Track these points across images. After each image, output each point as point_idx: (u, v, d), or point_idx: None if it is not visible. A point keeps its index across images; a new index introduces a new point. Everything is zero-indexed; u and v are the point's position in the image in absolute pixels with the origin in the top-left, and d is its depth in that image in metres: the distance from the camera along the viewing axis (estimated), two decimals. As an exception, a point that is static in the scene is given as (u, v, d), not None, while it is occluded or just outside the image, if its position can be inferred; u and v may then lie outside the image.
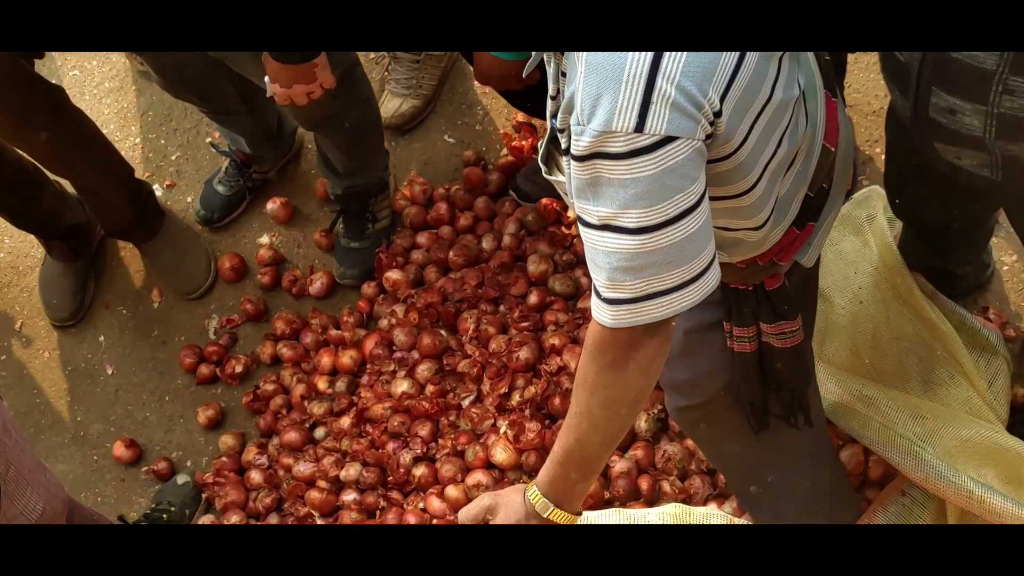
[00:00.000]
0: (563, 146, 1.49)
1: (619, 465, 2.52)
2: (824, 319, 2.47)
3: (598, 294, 1.47)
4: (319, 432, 2.85)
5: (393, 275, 2.94)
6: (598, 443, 1.60)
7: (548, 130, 1.63)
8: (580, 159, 1.39)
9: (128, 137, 3.37)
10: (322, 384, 2.90)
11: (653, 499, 2.48)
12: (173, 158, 3.34)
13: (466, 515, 1.75)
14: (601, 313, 1.47)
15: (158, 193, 3.21)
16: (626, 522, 1.87)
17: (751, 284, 1.81)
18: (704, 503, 2.46)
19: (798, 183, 1.71)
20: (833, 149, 1.74)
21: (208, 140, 3.33)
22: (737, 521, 1.91)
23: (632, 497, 2.48)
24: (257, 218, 3.21)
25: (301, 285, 3.07)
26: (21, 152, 2.86)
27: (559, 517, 1.66)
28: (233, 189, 3.17)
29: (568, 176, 1.46)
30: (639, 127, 1.34)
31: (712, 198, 1.52)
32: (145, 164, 3.29)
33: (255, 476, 2.82)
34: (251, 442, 2.90)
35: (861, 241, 2.56)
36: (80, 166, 2.79)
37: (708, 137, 1.41)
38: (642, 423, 2.59)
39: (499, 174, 3.07)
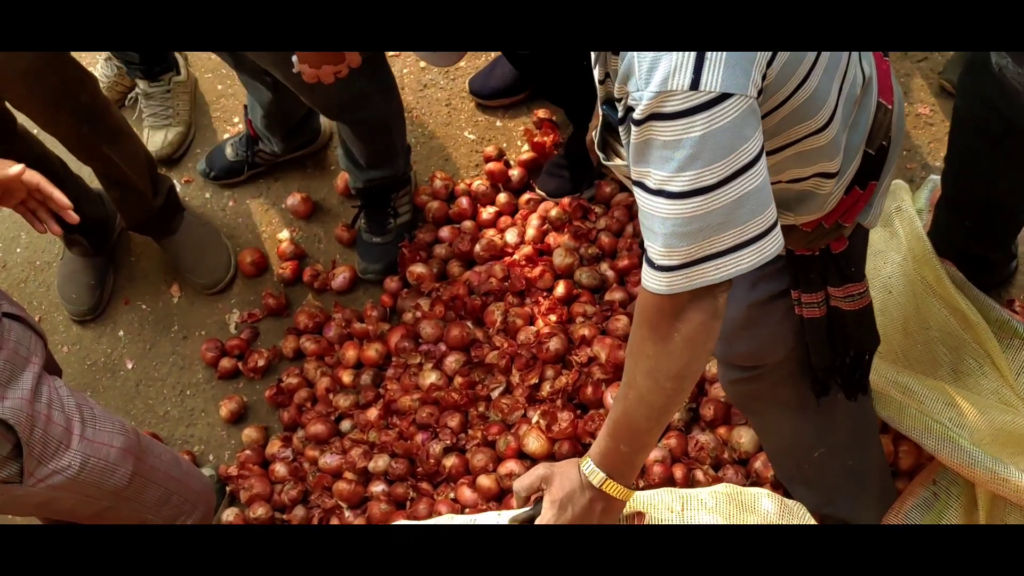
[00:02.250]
0: (619, 116, 1.49)
1: (653, 454, 2.52)
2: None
3: (651, 263, 1.46)
4: (345, 425, 2.84)
5: (417, 269, 2.95)
6: (644, 416, 1.59)
7: (600, 117, 1.63)
8: (637, 123, 1.39)
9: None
10: (347, 377, 2.89)
11: (688, 487, 2.47)
12: (192, 151, 3.34)
13: (521, 484, 1.75)
14: (653, 281, 1.47)
15: (177, 188, 3.21)
16: (679, 501, 1.85)
17: (817, 249, 1.81)
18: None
19: (859, 132, 1.71)
20: (890, 107, 1.74)
21: (226, 136, 3.33)
22: (787, 503, 1.91)
23: (668, 485, 2.45)
24: (277, 213, 3.21)
25: (323, 280, 3.07)
26: (46, 147, 2.86)
27: (612, 489, 1.66)
28: (238, 157, 3.21)
29: (627, 146, 1.45)
30: (695, 84, 1.34)
31: (793, 142, 1.53)
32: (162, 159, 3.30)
33: (280, 469, 2.81)
34: (275, 435, 2.89)
35: (889, 232, 2.58)
36: (108, 156, 2.78)
37: (760, 93, 1.41)
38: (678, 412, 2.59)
39: (521, 170, 3.08)
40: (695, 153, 1.37)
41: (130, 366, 3.09)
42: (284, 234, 3.17)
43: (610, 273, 2.88)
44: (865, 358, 2.03)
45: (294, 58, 2.39)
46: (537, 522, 1.72)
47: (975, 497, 2.38)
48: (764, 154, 1.42)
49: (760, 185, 1.42)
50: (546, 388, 2.69)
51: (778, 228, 1.46)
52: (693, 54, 1.34)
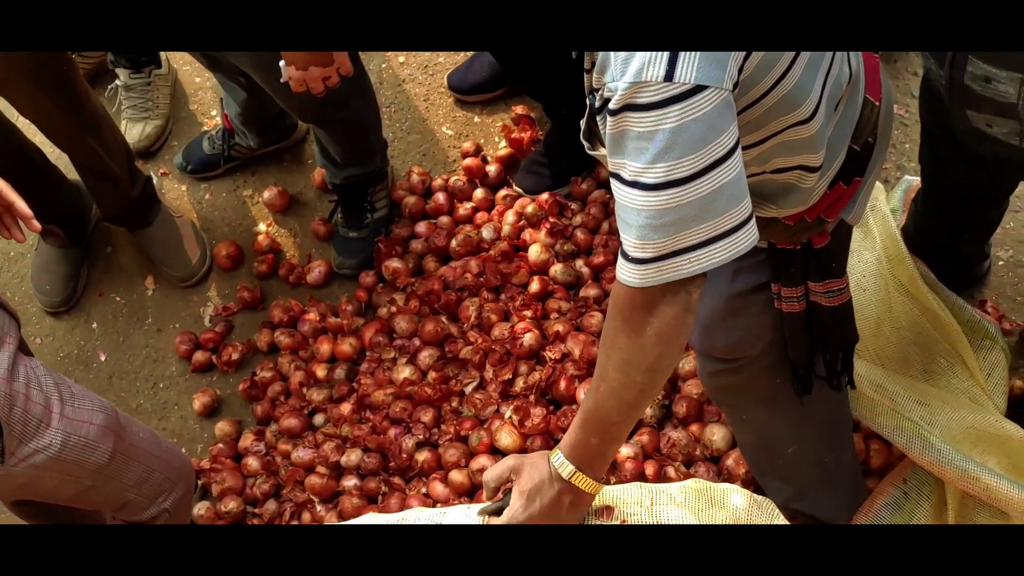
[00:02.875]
0: (597, 106, 1.49)
1: (625, 450, 2.52)
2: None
3: (625, 255, 1.46)
4: (318, 419, 2.83)
5: (393, 264, 2.94)
6: (615, 409, 1.59)
7: (588, 106, 1.63)
8: (613, 114, 1.39)
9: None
10: (321, 371, 2.89)
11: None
12: (168, 144, 3.33)
13: (491, 475, 1.75)
14: (626, 274, 1.46)
15: (154, 181, 3.18)
16: (648, 496, 1.85)
17: (799, 243, 1.80)
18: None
19: (844, 128, 1.71)
20: (877, 103, 1.74)
21: (204, 129, 3.32)
22: (757, 498, 1.92)
23: (638, 481, 2.45)
24: (254, 206, 3.21)
25: (298, 274, 3.07)
26: (26, 137, 2.86)
27: (582, 482, 1.66)
28: (214, 151, 3.20)
29: (605, 137, 1.46)
30: (669, 75, 1.34)
31: (777, 132, 1.53)
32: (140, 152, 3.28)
33: (252, 463, 2.80)
34: (248, 429, 2.88)
35: (863, 231, 2.58)
36: (88, 143, 2.77)
37: (735, 87, 1.41)
38: (647, 409, 2.59)
39: (498, 165, 3.08)
40: (669, 145, 1.37)
41: (103, 358, 3.08)
42: (260, 227, 3.16)
43: (585, 270, 2.88)
44: (842, 355, 2.04)
45: (281, 63, 2.35)
46: (505, 513, 1.72)
47: (945, 496, 2.39)
48: (739, 147, 1.42)
49: (735, 178, 1.42)
50: (519, 384, 2.69)
51: (753, 222, 1.46)
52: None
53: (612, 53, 1.38)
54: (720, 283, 1.89)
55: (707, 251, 1.43)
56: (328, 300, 3.03)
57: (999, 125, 1.81)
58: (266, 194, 3.16)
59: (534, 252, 2.87)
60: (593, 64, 1.55)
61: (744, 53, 1.41)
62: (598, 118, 1.52)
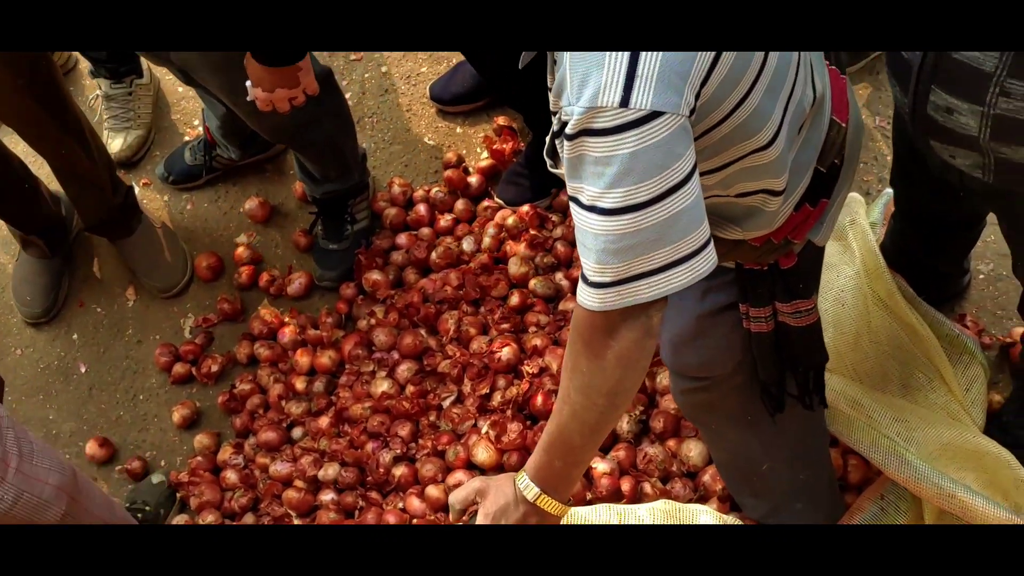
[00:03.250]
0: (555, 129, 1.49)
1: (601, 466, 2.51)
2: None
3: (585, 279, 1.45)
4: (296, 432, 2.83)
5: (373, 276, 2.94)
6: (578, 431, 1.58)
7: (553, 124, 1.63)
8: (570, 138, 1.39)
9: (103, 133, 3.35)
10: (300, 384, 2.88)
11: (635, 500, 2.46)
12: (150, 153, 3.33)
13: (456, 497, 1.74)
14: (586, 298, 1.46)
15: (135, 191, 3.18)
16: (617, 518, 1.86)
17: (766, 264, 1.80)
18: (685, 505, 2.45)
19: (809, 151, 1.70)
20: (843, 125, 1.74)
21: (186, 139, 3.32)
22: (726, 518, 1.91)
23: (615, 498, 2.45)
24: (234, 217, 3.20)
25: (279, 285, 3.06)
26: (6, 147, 2.85)
27: (547, 504, 1.65)
28: (196, 162, 3.19)
29: (563, 161, 1.45)
30: (624, 101, 1.33)
31: (738, 159, 1.53)
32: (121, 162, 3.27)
33: (230, 476, 2.79)
34: (226, 442, 2.88)
35: (843, 245, 2.57)
36: (72, 147, 2.77)
37: (692, 113, 1.40)
38: (624, 424, 2.59)
39: (480, 177, 3.08)
40: (626, 170, 1.36)
41: (83, 370, 3.07)
42: (241, 238, 3.15)
43: (565, 283, 2.87)
44: (813, 374, 2.03)
45: (248, 83, 2.34)
46: None
47: (922, 513, 2.38)
48: (696, 172, 1.42)
49: (692, 203, 1.41)
50: (497, 398, 2.68)
51: (711, 246, 1.45)
52: (623, 72, 1.34)
53: (568, 76, 1.38)
54: (690, 302, 1.89)
55: (666, 276, 1.42)
56: (308, 312, 3.02)
57: (962, 157, 1.80)
58: (247, 204, 3.15)
59: (514, 265, 2.86)
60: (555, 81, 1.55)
61: (701, 78, 1.40)
62: (557, 142, 1.51)
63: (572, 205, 1.44)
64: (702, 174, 1.49)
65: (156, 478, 2.84)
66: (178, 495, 2.83)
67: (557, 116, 1.46)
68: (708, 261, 1.45)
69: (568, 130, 1.38)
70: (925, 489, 2.23)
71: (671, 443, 2.57)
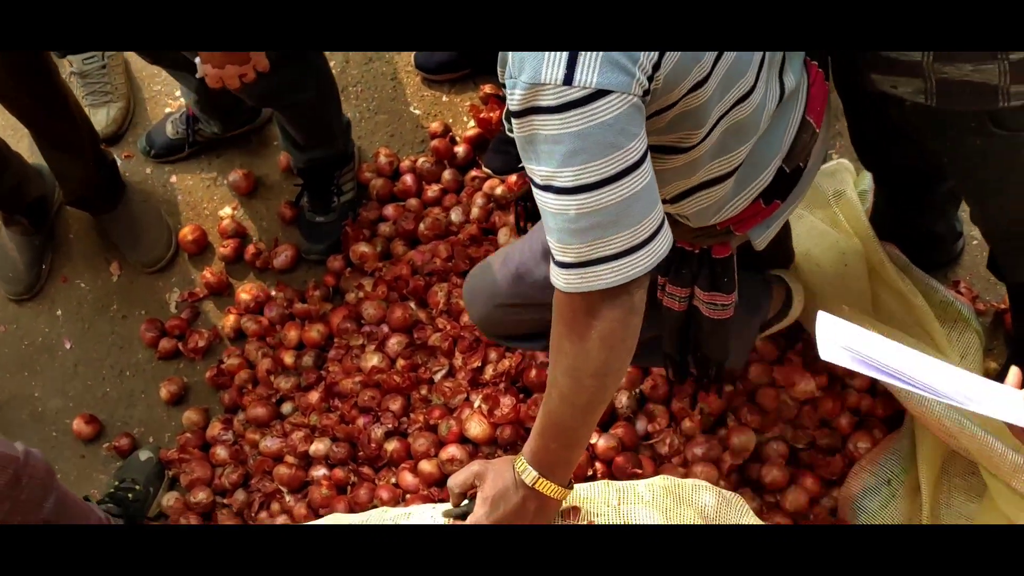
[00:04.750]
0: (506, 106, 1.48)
1: (602, 442, 2.50)
2: (818, 283, 2.48)
3: (553, 258, 1.45)
4: (286, 407, 2.80)
5: (361, 248, 2.90)
6: (569, 415, 1.57)
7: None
8: (517, 115, 1.37)
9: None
10: (288, 358, 2.84)
11: (634, 477, 2.45)
12: (132, 126, 3.29)
13: (455, 480, 1.73)
14: (556, 278, 1.46)
15: (120, 160, 3.16)
16: (616, 494, 1.83)
17: (699, 247, 1.79)
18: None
19: (773, 146, 1.69)
20: (816, 128, 1.73)
21: (168, 111, 3.27)
22: (725, 495, 1.90)
23: (617, 474, 2.47)
24: (219, 189, 3.16)
25: (265, 258, 3.02)
26: None
27: (546, 488, 1.64)
28: (178, 135, 3.15)
29: (516, 139, 1.44)
30: (568, 79, 1.32)
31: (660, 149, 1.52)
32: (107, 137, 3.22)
33: (220, 452, 2.77)
34: (215, 418, 2.85)
35: (830, 216, 2.56)
36: (54, 121, 2.73)
37: (646, 93, 1.38)
38: (623, 399, 2.57)
39: (466, 146, 3.04)
40: (576, 149, 1.35)
41: (68, 346, 3.04)
42: (226, 211, 3.11)
43: None
44: (719, 366, 2.06)
45: (197, 60, 2.30)
46: (468, 519, 1.70)
47: (919, 482, 2.38)
48: (649, 154, 1.41)
49: (648, 184, 1.41)
50: (489, 371, 2.66)
51: (667, 225, 1.46)
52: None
53: (510, 53, 1.36)
54: None
55: (628, 260, 1.42)
56: (295, 285, 2.99)
57: (904, 84, 1.77)
58: (231, 177, 3.11)
59: (503, 235, 2.83)
60: None
61: (653, 61, 1.38)
62: (505, 120, 1.52)
63: (532, 185, 1.43)
64: None
65: (144, 455, 2.81)
66: (168, 472, 2.81)
67: (503, 86, 1.45)
68: (666, 241, 1.45)
69: (513, 106, 1.37)
70: (942, 426, 2.20)
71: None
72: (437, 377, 2.71)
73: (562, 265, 1.43)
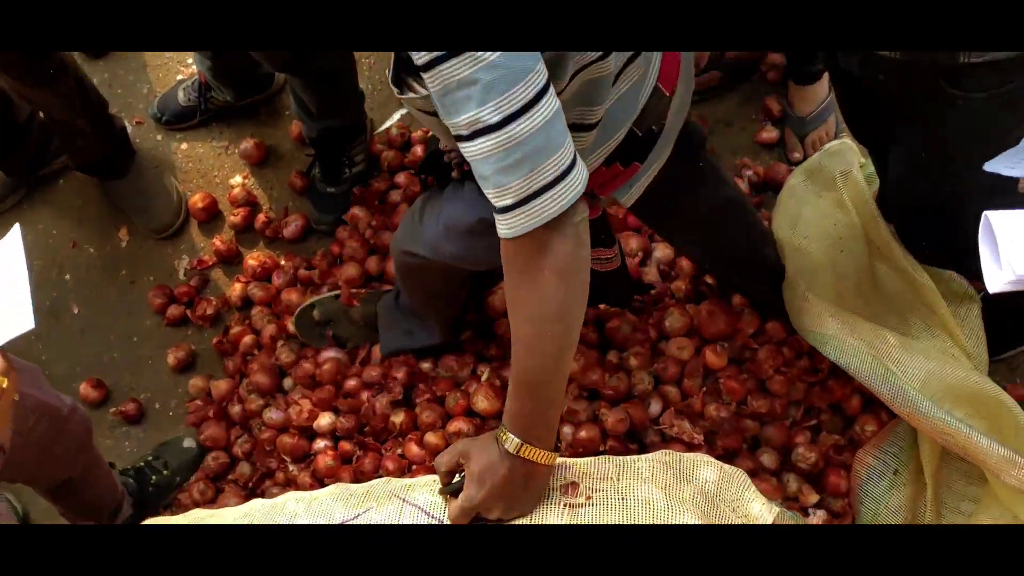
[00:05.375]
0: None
1: (611, 417, 2.49)
2: (809, 270, 2.48)
3: (495, 209, 1.47)
4: (287, 381, 2.79)
5: (354, 210, 2.94)
6: (539, 367, 1.56)
7: (393, 54, 1.62)
8: (425, 69, 1.39)
9: (97, 72, 3.28)
10: (292, 326, 2.82)
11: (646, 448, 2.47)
12: (143, 92, 3.27)
13: (441, 460, 1.69)
14: (501, 227, 1.47)
15: (128, 130, 3.12)
16: (615, 468, 1.77)
17: None
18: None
19: (624, 110, 1.75)
20: (668, 94, 1.78)
21: (180, 78, 3.26)
22: (726, 468, 1.86)
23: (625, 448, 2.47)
24: (229, 158, 3.15)
25: (274, 227, 3.01)
26: None
27: (531, 453, 1.60)
28: (190, 102, 3.15)
29: (435, 102, 1.45)
30: None
31: None
32: (114, 100, 3.19)
33: (235, 409, 2.77)
34: (221, 380, 2.84)
35: (835, 198, 2.56)
36: (54, 97, 2.71)
37: None
38: (644, 378, 2.56)
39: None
40: (492, 80, 1.38)
41: (76, 311, 3.04)
42: (236, 180, 3.10)
43: None
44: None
45: None
46: (460, 498, 1.65)
47: (922, 467, 2.39)
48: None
49: (558, 105, 1.44)
50: (493, 349, 2.65)
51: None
52: None
53: None
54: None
55: (563, 185, 1.44)
56: (304, 255, 2.98)
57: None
58: (242, 145, 3.10)
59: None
60: None
61: None
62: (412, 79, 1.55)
63: (459, 144, 1.45)
64: None
65: (188, 442, 2.79)
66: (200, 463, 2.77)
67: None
68: (583, 163, 1.48)
69: (419, 62, 1.39)
70: (926, 423, 2.20)
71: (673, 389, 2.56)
72: (444, 349, 2.70)
73: (505, 210, 1.45)
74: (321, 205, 3.00)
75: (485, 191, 1.47)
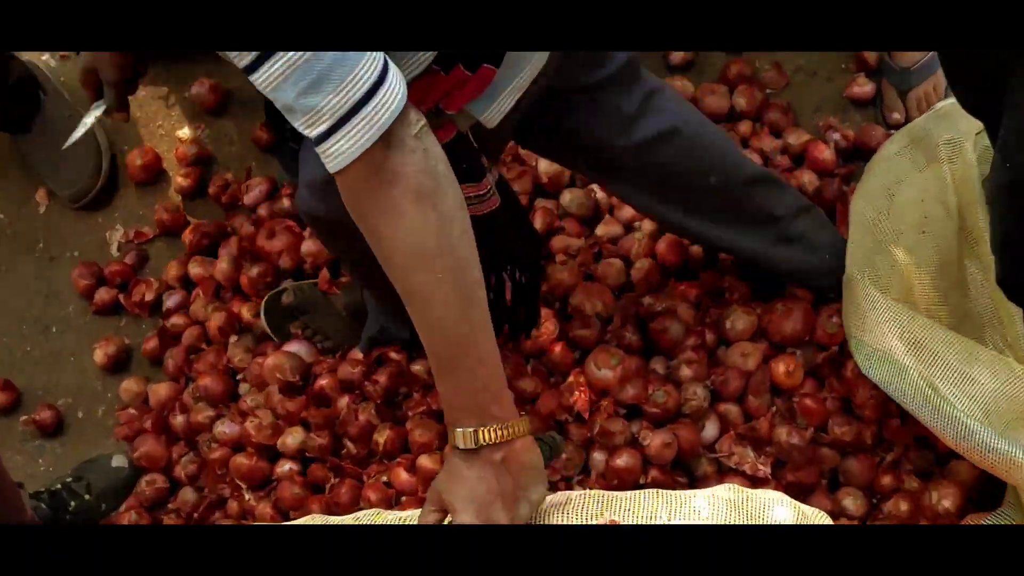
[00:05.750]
0: None
1: (657, 440, 2.14)
2: (881, 250, 2.24)
3: (314, 143, 1.37)
4: (244, 387, 2.43)
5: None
6: (447, 322, 1.43)
7: None
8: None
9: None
10: (247, 313, 2.47)
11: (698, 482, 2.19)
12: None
13: (426, 520, 1.54)
14: (328, 160, 1.38)
15: (52, 65, 2.75)
16: (665, 506, 1.61)
17: None
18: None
19: None
20: None
21: None
22: (804, 509, 1.64)
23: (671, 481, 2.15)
24: (178, 104, 2.79)
25: (233, 192, 2.65)
26: None
27: (494, 434, 1.46)
28: None
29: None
30: None
31: None
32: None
33: (178, 420, 2.40)
34: (162, 382, 2.50)
35: (934, 170, 2.29)
36: None
37: None
38: (699, 396, 2.21)
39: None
40: None
41: (-20, 293, 2.72)
42: (185, 132, 2.74)
43: (601, 196, 2.42)
44: (518, 277, 2.01)
45: None
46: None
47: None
48: None
49: None
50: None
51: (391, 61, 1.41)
52: None
53: None
54: None
55: (385, 90, 1.34)
56: (270, 225, 2.63)
57: None
58: (194, 89, 2.73)
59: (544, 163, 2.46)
60: None
61: None
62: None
63: (251, 79, 1.35)
64: None
65: (118, 460, 2.45)
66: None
67: None
68: (399, 73, 1.40)
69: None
70: (985, 457, 1.95)
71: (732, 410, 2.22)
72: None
73: (324, 136, 1.36)
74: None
75: (296, 124, 1.38)
